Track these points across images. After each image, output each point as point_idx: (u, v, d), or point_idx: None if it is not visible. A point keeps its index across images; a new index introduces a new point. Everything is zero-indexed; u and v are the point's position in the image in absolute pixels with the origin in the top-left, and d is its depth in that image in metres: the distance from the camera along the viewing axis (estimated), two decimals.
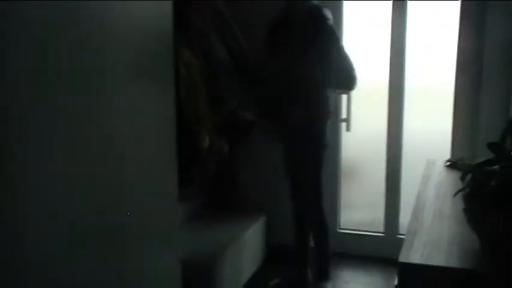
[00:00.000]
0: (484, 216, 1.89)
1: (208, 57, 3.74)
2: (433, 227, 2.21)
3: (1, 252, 1.65)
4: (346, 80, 3.63)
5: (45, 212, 1.81)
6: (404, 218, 4.05)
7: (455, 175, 2.60)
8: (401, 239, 2.21)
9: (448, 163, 3.05)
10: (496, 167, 1.87)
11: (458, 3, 4.01)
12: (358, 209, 4.65)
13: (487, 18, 3.86)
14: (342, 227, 4.51)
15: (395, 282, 1.94)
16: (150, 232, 2.43)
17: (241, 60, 3.99)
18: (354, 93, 3.99)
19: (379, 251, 4.28)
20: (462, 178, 2.02)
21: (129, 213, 1.89)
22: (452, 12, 4.08)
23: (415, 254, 1.96)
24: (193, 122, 3.54)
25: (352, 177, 4.58)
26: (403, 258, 1.93)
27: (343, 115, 4.18)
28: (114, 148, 2.16)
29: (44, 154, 1.78)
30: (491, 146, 1.94)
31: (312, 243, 3.95)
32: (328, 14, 3.66)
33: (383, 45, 4.30)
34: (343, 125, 4.21)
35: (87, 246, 2.01)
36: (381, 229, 4.46)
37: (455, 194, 2.05)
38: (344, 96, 4.09)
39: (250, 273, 4.12)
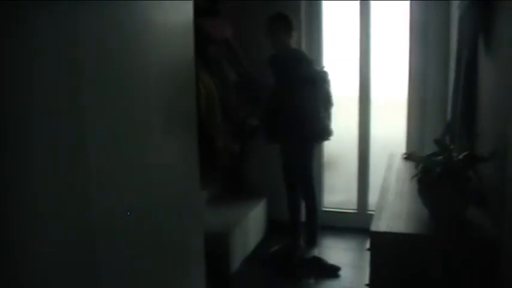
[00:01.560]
0: (431, 194, 1.99)
1: (221, 77, 3.81)
2: (395, 203, 2.28)
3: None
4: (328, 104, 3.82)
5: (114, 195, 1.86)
6: (372, 198, 4.10)
7: (410, 164, 2.66)
8: (371, 214, 2.27)
9: (405, 155, 3.13)
10: (440, 157, 1.97)
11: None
12: (337, 191, 4.67)
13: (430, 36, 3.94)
14: (325, 205, 4.57)
15: (367, 246, 2.01)
16: (180, 211, 2.45)
17: (245, 80, 4.06)
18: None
19: (353, 224, 4.31)
20: (416, 166, 2.11)
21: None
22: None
23: (382, 224, 2.03)
24: (210, 128, 3.61)
25: (332, 167, 4.62)
26: (373, 227, 2.00)
27: None
28: (154, 146, 2.17)
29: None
30: (437, 141, 2.04)
31: (303, 219, 4.00)
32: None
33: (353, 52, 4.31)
34: None
35: (136, 222, 2.02)
36: (355, 207, 4.51)
37: (412, 178, 2.15)
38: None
39: (255, 243, 4.18)
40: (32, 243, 1.49)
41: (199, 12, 3.66)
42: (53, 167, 1.56)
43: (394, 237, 1.94)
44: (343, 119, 4.30)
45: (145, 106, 2.11)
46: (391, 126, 4.39)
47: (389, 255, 1.96)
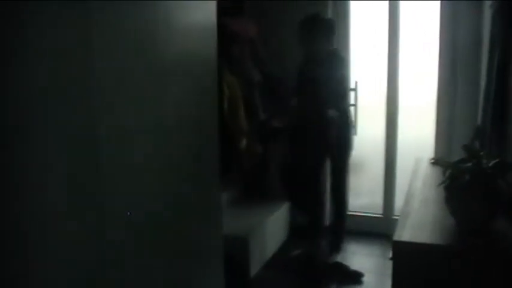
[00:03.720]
0: (458, 202, 1.89)
1: (245, 77, 3.76)
2: (420, 211, 2.19)
3: None
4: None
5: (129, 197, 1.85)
6: (398, 203, 4.00)
7: (437, 170, 2.53)
8: (396, 219, 2.19)
9: (432, 160, 3.03)
10: (468, 164, 1.87)
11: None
12: (362, 195, 4.60)
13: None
14: (349, 209, 4.44)
15: (390, 255, 1.92)
16: (198, 213, 2.42)
17: (269, 80, 4.00)
18: (359, 105, 3.99)
19: (378, 229, 4.23)
20: (443, 173, 2.01)
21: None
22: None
23: (406, 233, 1.95)
24: (233, 129, 3.56)
25: (357, 171, 4.53)
26: (396, 237, 1.92)
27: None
28: (173, 145, 2.15)
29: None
30: (465, 147, 1.94)
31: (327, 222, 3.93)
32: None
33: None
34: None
35: (158, 222, 2.03)
36: (380, 211, 4.42)
37: (439, 185, 2.05)
38: (352, 108, 4.05)
39: (277, 247, 4.10)
40: (47, 243, 1.48)
41: (224, 11, 3.63)
42: (68, 171, 1.55)
43: (418, 248, 1.85)
44: (370, 120, 4.22)
45: (165, 106, 2.08)
46: (419, 129, 4.28)
47: (412, 266, 1.87)
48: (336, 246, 3.87)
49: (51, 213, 1.48)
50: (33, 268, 1.45)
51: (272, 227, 4.03)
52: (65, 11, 1.50)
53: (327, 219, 3.96)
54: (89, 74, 1.62)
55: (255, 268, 3.66)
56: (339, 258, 3.80)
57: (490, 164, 1.84)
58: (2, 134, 1.34)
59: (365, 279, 3.57)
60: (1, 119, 1.33)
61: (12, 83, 1.35)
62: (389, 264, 1.94)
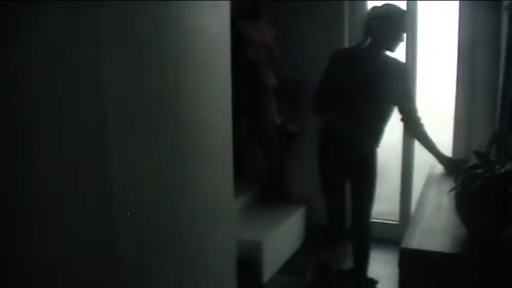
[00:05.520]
0: (469, 209, 1.84)
1: (259, 82, 3.73)
2: (432, 217, 2.14)
3: None
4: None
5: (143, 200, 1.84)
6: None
7: (451, 177, 2.46)
8: None
9: (446, 162, 2.97)
10: (479, 170, 1.81)
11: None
12: (380, 201, 4.52)
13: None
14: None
15: None
16: (212, 216, 2.41)
17: (285, 84, 3.97)
18: None
19: (394, 236, 4.14)
20: (455, 179, 1.96)
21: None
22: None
23: (414, 240, 1.90)
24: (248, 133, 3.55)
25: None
26: (404, 244, 1.87)
27: None
28: (188, 146, 2.16)
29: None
30: (476, 153, 1.89)
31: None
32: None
33: None
34: None
35: (166, 227, 2.03)
36: (397, 218, 4.35)
37: (449, 191, 2.00)
38: None
39: (292, 252, 4.05)
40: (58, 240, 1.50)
41: (240, 14, 3.61)
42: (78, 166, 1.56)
43: (426, 256, 1.80)
44: (387, 127, 4.16)
45: (179, 108, 2.08)
46: (437, 135, 4.19)
47: (420, 274, 1.82)
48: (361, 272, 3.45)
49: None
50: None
51: (288, 231, 3.99)
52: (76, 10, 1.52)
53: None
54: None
55: (268, 273, 3.62)
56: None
57: (502, 170, 1.78)
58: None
59: (380, 286, 3.51)
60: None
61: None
62: None
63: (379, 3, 3.03)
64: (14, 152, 1.36)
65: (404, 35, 3.06)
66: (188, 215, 2.18)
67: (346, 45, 4.11)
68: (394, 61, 3.11)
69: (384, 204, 4.51)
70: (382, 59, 3.08)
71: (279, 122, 3.91)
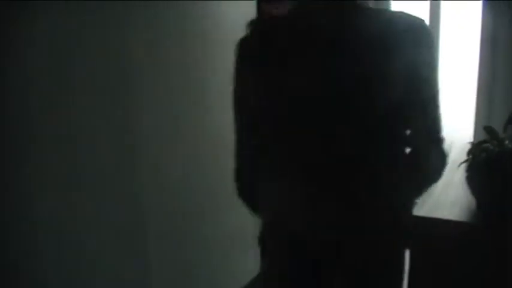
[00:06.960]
0: (476, 181, 1.91)
1: None
2: (442, 191, 2.19)
3: None
4: None
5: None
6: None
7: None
8: None
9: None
10: (487, 144, 1.89)
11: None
12: None
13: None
14: None
15: None
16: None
17: None
18: None
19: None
20: (468, 154, 2.03)
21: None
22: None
23: (423, 210, 1.97)
24: None
25: None
26: (414, 212, 1.94)
27: None
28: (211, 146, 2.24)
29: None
30: (486, 128, 1.96)
31: None
32: None
33: None
34: None
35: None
36: None
37: (459, 165, 2.07)
38: None
39: None
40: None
41: None
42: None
43: (434, 224, 1.88)
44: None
45: (205, 104, 2.21)
46: (458, 115, 4.20)
47: (427, 244, 1.89)
48: None
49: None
50: None
51: None
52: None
53: None
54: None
55: None
56: None
57: (510, 145, 1.85)
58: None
59: None
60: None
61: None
62: None
63: (401, 4, 2.85)
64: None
65: None
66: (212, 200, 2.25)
67: None
68: (403, 19, 1.64)
69: None
70: (374, 14, 1.60)
71: None
